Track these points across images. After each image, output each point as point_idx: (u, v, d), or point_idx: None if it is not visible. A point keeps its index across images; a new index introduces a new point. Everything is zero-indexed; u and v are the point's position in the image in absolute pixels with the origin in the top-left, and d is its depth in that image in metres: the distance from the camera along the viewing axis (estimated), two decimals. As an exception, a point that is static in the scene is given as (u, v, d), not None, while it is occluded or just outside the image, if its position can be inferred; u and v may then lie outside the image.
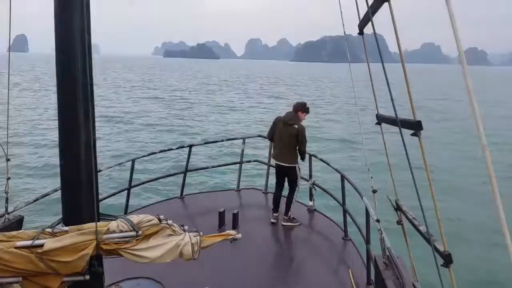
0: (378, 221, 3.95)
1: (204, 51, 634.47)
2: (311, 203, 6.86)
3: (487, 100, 49.16)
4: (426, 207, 2.14)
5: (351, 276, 4.79)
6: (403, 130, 2.13)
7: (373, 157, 15.41)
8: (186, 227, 2.64)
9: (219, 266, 4.87)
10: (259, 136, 8.56)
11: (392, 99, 2.05)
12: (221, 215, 5.95)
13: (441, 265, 2.08)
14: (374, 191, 4.22)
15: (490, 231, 9.60)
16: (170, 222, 2.58)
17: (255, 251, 5.39)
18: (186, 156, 7.50)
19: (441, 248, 2.15)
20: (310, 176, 6.84)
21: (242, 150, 7.95)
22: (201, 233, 2.66)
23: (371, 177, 4.26)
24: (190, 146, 7.43)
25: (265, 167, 7.89)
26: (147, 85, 62.87)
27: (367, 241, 4.80)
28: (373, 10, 2.24)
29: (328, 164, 6.43)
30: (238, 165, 8.00)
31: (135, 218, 2.46)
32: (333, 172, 6.38)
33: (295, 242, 5.88)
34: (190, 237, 2.57)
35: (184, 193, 7.46)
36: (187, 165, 7.47)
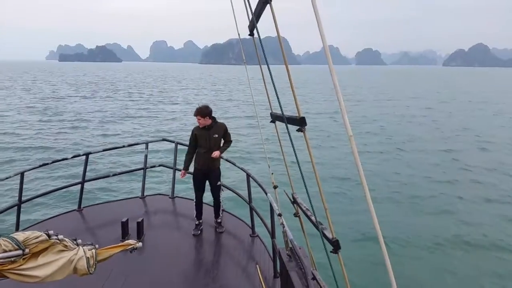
0: (280, 215, 4.12)
1: (105, 54, 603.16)
2: None
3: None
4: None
5: (259, 271, 4.93)
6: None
7: (274, 154, 16.15)
8: (79, 241, 2.50)
9: (125, 279, 4.67)
10: (164, 140, 8.36)
11: (278, 98, 2.16)
12: (124, 225, 5.69)
13: (331, 252, 2.24)
14: (275, 187, 4.41)
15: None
16: (61, 237, 2.42)
17: (163, 258, 5.26)
18: (83, 165, 7.02)
19: (329, 236, 2.31)
20: None
21: (146, 155, 7.68)
22: (97, 245, 2.54)
23: (272, 173, 4.45)
24: (87, 154, 6.97)
25: (171, 171, 7.72)
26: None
27: (273, 236, 4.97)
28: (257, 12, 2.33)
29: (234, 164, 6.53)
30: (141, 171, 7.72)
31: (20, 235, 2.26)
32: (239, 171, 6.48)
33: (204, 245, 5.86)
34: (84, 251, 2.44)
35: (82, 205, 6.99)
36: (84, 174, 6.99)
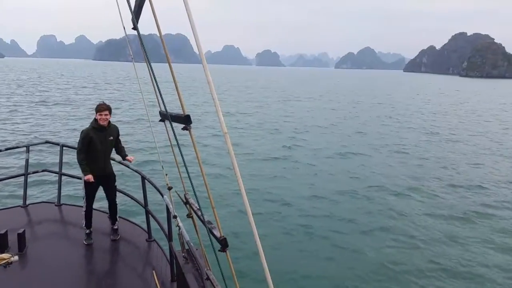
0: (175, 217, 4.02)
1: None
2: None
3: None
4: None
5: (155, 276, 4.77)
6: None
7: (169, 154, 15.67)
8: None
9: None
10: (47, 142, 7.64)
11: (161, 95, 2.09)
12: (3, 237, 5.06)
13: (219, 250, 2.24)
14: (170, 188, 4.30)
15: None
16: None
17: (49, 271, 4.79)
18: None
19: (218, 235, 2.31)
20: None
21: (27, 160, 6.94)
22: None
23: (166, 174, 4.33)
24: None
25: (56, 176, 7.08)
26: None
27: (169, 239, 4.83)
28: (137, 5, 2.23)
29: (128, 166, 6.22)
30: (22, 177, 6.96)
31: None
32: (134, 174, 6.19)
33: (96, 254, 5.49)
34: None
35: None
36: None
